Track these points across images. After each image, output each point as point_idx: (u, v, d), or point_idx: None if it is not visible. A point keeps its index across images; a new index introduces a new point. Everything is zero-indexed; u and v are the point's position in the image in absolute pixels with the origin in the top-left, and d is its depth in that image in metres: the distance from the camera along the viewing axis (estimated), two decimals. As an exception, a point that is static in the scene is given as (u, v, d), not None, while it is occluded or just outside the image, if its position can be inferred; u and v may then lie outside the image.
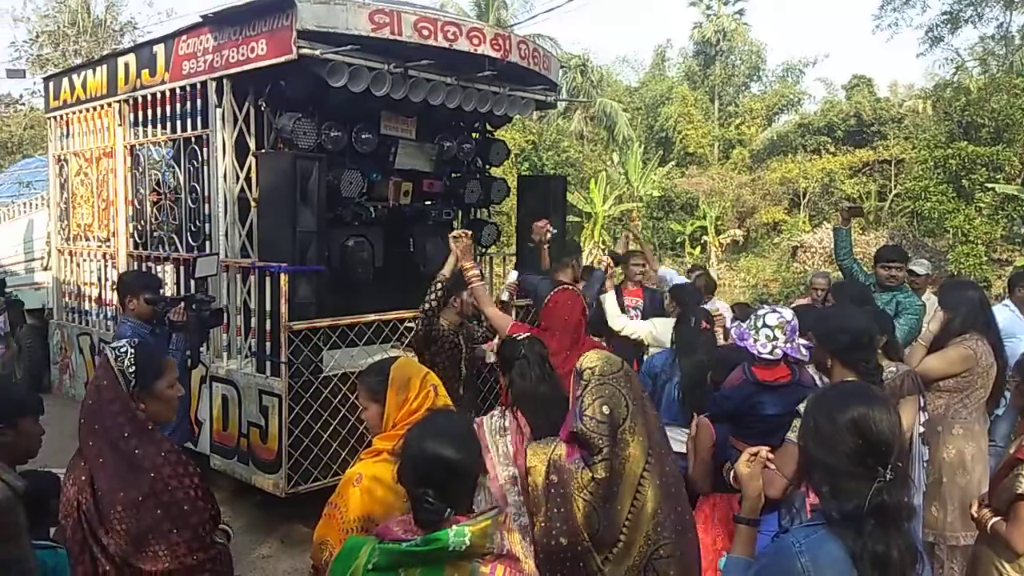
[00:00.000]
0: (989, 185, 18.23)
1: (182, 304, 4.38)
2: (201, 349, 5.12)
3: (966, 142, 18.60)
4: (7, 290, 5.19)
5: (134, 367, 2.46)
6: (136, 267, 6.26)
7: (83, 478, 2.41)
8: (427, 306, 4.51)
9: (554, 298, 3.87)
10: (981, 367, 4.01)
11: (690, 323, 4.26)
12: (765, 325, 2.91)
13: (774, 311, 2.96)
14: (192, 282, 5.37)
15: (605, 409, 2.46)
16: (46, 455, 3.90)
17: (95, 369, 2.52)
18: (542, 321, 4.03)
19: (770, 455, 2.31)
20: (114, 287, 6.01)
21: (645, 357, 5.38)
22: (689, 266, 7.10)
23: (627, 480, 2.47)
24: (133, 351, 2.48)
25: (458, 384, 4.68)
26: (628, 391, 2.51)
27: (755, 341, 2.87)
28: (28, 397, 2.91)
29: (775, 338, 2.87)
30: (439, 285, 4.51)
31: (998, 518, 2.82)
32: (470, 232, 4.75)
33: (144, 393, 2.48)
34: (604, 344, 4.64)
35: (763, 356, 2.85)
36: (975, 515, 2.91)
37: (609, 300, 5.42)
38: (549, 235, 5.65)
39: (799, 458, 1.98)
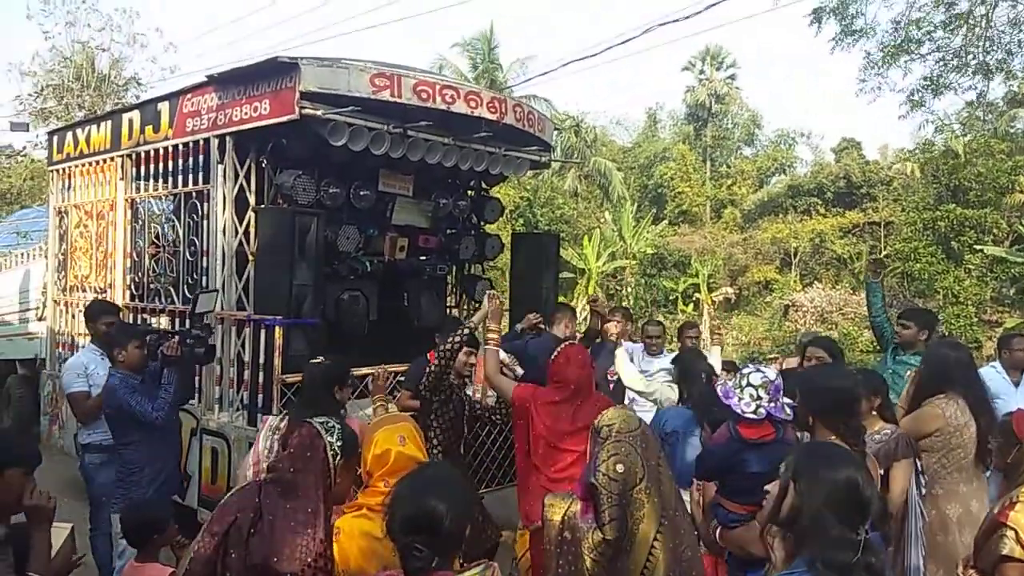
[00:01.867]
0: (978, 247, 18.49)
1: (176, 338, 4.34)
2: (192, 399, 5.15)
3: (954, 204, 18.95)
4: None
5: (341, 442, 2.52)
6: (132, 319, 6.29)
7: (251, 515, 2.43)
8: (448, 347, 4.29)
9: (564, 352, 3.92)
10: (952, 426, 3.94)
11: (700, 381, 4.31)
12: (749, 384, 2.95)
13: (758, 371, 3.01)
14: (188, 320, 5.36)
15: (619, 467, 2.48)
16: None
17: (300, 438, 2.52)
18: (551, 375, 3.99)
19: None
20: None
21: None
22: (681, 322, 7.16)
23: (639, 542, 2.46)
24: (340, 428, 2.56)
25: (460, 441, 4.56)
26: (644, 452, 2.53)
27: (739, 400, 2.91)
28: (18, 447, 2.83)
29: (759, 397, 2.91)
30: (465, 331, 4.40)
31: None
32: (501, 296, 4.76)
33: (344, 469, 2.52)
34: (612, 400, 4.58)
35: (747, 415, 2.89)
36: (960, 575, 2.91)
37: (622, 356, 5.20)
38: (539, 323, 5.80)
39: (784, 504, 2.03)
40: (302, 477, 2.43)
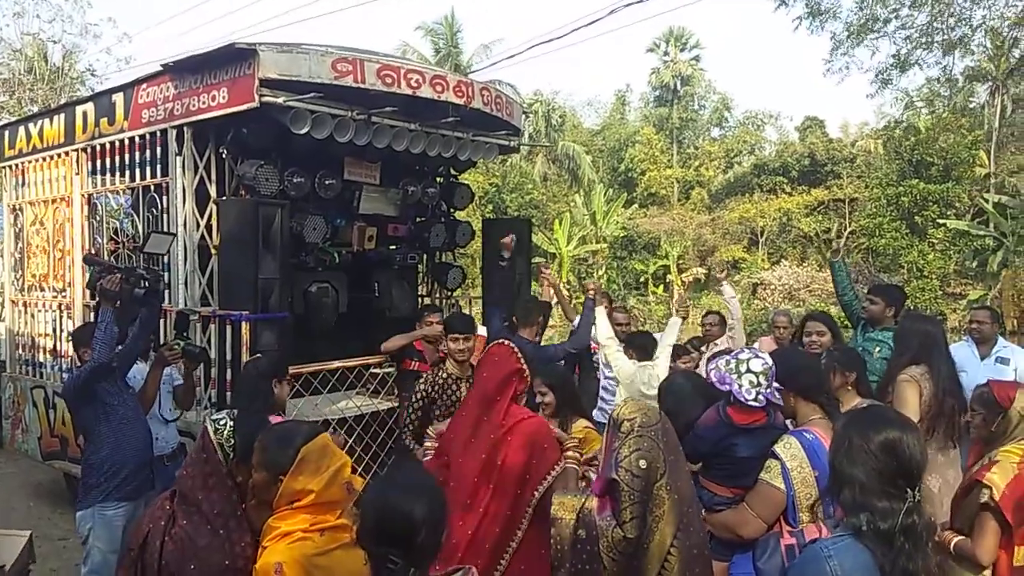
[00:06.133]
0: (941, 221, 18.81)
1: (118, 274, 4.01)
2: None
3: (917, 180, 19.21)
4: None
5: (233, 440, 2.46)
6: (93, 318, 6.11)
7: (161, 523, 2.39)
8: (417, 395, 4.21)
9: (488, 351, 3.42)
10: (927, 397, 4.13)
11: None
12: (749, 371, 2.85)
13: (757, 356, 2.93)
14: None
15: (642, 463, 2.39)
16: (-2, 512, 3.75)
17: (199, 438, 2.47)
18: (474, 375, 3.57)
19: None
20: (69, 339, 5.77)
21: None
22: (705, 311, 7.14)
23: (657, 541, 2.40)
24: (232, 423, 2.48)
25: None
26: (665, 446, 2.45)
27: (740, 387, 2.83)
28: None
29: (759, 384, 2.82)
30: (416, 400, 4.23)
31: (960, 537, 2.94)
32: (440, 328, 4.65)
33: (243, 466, 2.44)
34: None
35: (749, 403, 2.82)
36: (938, 539, 2.96)
37: (602, 314, 5.22)
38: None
39: (829, 475, 2.08)
40: (199, 479, 2.40)
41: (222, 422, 2.48)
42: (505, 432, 3.12)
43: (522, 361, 3.30)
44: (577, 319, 5.63)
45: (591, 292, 5.54)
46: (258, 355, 3.94)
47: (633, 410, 2.51)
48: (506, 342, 3.42)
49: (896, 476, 1.89)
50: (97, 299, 4.24)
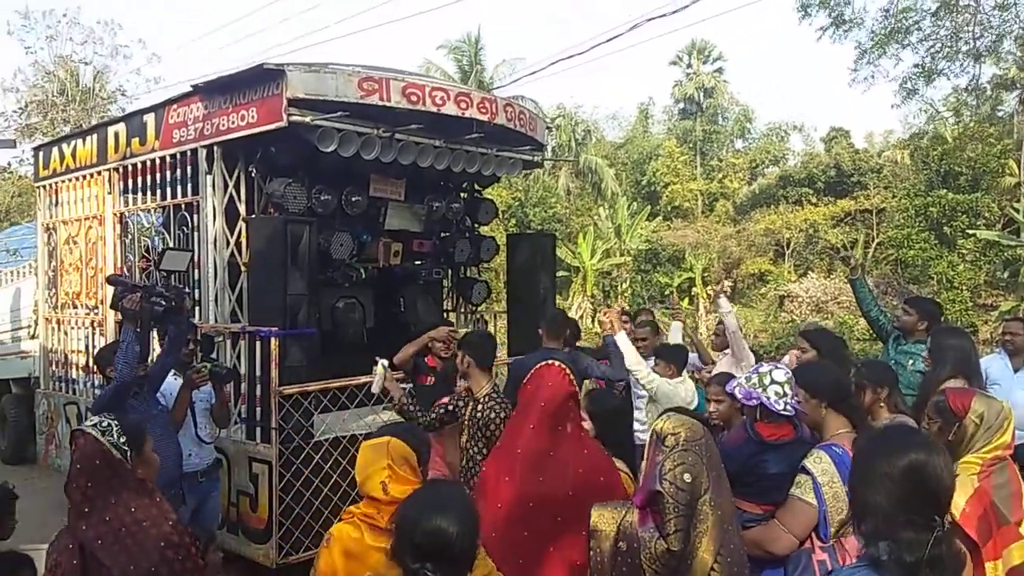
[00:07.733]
0: (970, 231, 18.52)
1: (139, 293, 4.03)
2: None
3: (945, 190, 18.96)
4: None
5: (124, 437, 2.42)
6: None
7: (74, 562, 2.33)
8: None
9: (537, 374, 3.18)
10: None
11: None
12: (774, 381, 2.85)
13: (777, 367, 2.91)
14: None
15: (687, 477, 2.39)
16: (31, 528, 3.81)
17: (80, 450, 2.42)
18: (519, 401, 3.31)
19: None
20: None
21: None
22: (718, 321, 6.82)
23: (699, 559, 2.40)
24: (116, 423, 2.45)
25: None
26: (708, 461, 2.45)
27: (768, 399, 2.81)
28: None
29: (785, 394, 2.82)
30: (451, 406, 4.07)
31: None
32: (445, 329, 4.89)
33: (138, 460, 2.44)
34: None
35: (780, 413, 2.80)
36: None
37: (623, 340, 4.94)
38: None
39: (849, 501, 1.94)
40: (102, 487, 2.36)
41: (104, 424, 2.44)
42: (595, 468, 3.03)
43: (575, 383, 3.18)
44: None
45: (606, 327, 5.14)
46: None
47: (677, 424, 2.50)
48: (557, 363, 3.23)
49: (923, 504, 1.71)
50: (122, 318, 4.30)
